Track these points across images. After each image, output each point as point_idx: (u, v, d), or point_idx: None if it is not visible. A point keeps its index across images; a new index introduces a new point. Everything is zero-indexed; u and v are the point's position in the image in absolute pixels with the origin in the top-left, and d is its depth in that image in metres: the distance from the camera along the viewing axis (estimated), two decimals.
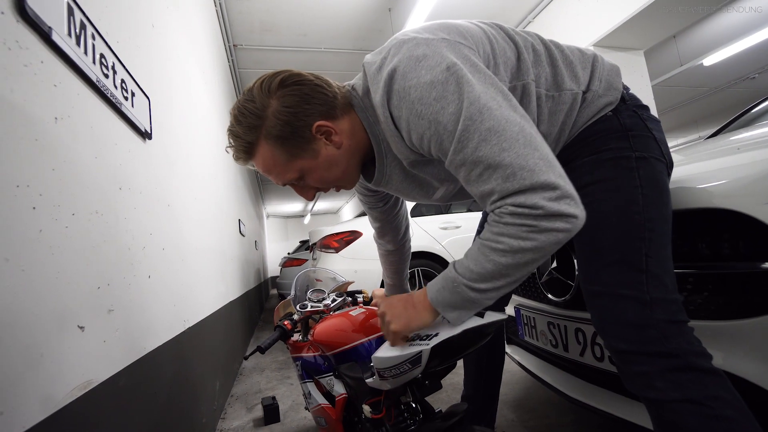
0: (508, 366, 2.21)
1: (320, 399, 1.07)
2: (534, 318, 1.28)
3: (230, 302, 2.71)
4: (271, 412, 1.86)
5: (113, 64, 0.95)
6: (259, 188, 10.15)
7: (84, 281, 0.77)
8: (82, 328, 0.75)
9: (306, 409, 1.69)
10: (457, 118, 0.61)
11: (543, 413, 1.62)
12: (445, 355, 0.70)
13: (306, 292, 1.25)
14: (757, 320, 0.72)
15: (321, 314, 1.13)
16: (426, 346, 0.66)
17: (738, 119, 1.86)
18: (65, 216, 0.72)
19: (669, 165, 0.79)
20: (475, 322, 0.68)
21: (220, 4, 3.53)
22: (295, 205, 14.58)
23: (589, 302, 0.76)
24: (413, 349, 0.67)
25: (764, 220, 0.70)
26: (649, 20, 3.20)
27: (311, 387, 1.13)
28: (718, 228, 0.80)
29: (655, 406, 0.66)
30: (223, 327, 2.33)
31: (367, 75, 0.73)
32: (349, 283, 1.38)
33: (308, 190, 0.81)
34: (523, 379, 2.04)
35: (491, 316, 0.70)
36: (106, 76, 0.90)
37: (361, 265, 3.22)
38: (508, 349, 1.54)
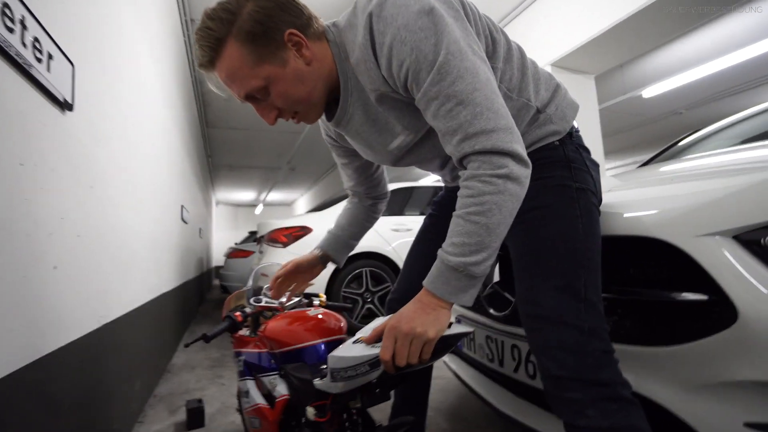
0: (445, 373, 2.24)
1: (259, 399, 1.00)
2: (473, 330, 1.29)
3: (162, 294, 2.51)
4: (195, 415, 1.72)
5: (22, 17, 0.81)
6: (210, 173, 9.63)
7: None
8: None
9: (237, 410, 1.59)
10: (438, 50, 0.65)
11: (475, 423, 1.65)
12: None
13: (262, 287, 1.18)
14: (677, 348, 0.75)
15: (274, 312, 1.08)
16: None
17: (667, 151, 2.02)
18: None
19: (600, 202, 0.84)
20: (444, 330, 0.66)
21: None
22: (247, 194, 14.00)
23: (528, 324, 0.76)
24: (375, 351, 0.64)
25: (691, 253, 0.74)
26: (604, 46, 3.38)
27: (251, 385, 1.06)
28: (648, 255, 0.84)
29: None
30: (151, 321, 2.15)
31: (357, 8, 0.74)
32: (307, 285, 1.34)
33: (270, 110, 0.78)
34: (459, 387, 2.07)
35: (459, 328, 0.68)
36: (11, 30, 0.76)
37: None
38: (446, 358, 1.55)
